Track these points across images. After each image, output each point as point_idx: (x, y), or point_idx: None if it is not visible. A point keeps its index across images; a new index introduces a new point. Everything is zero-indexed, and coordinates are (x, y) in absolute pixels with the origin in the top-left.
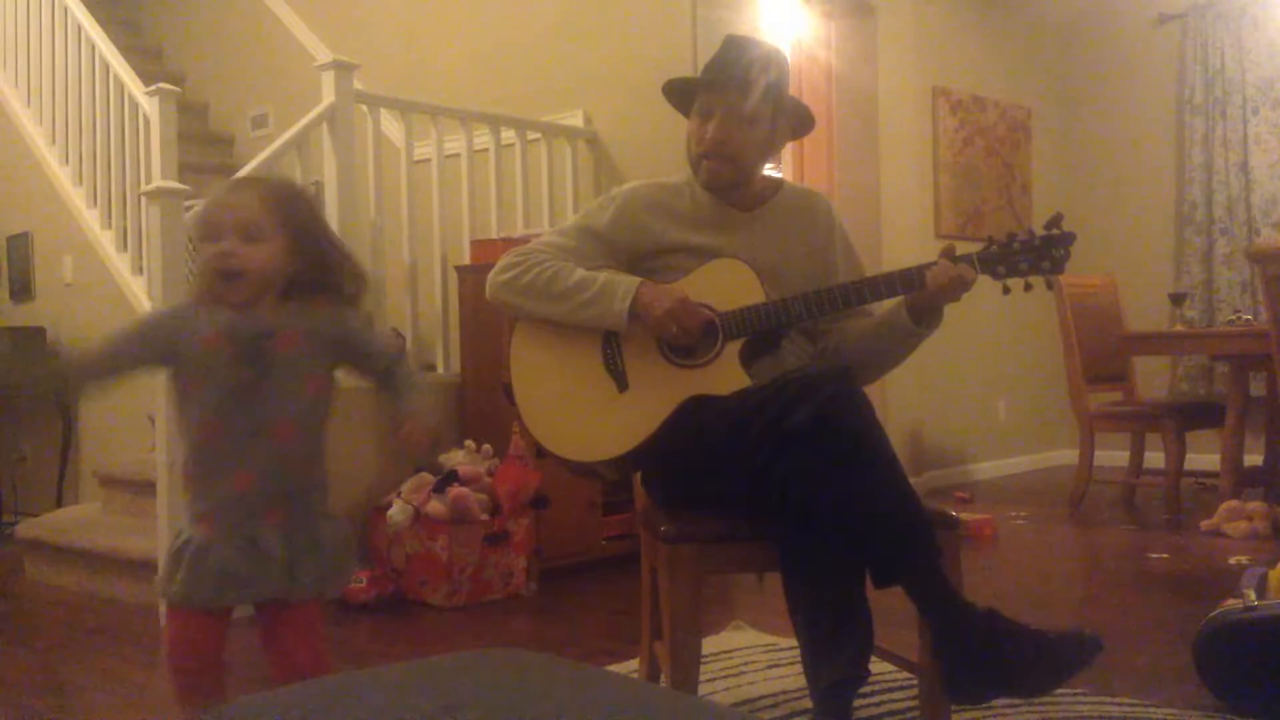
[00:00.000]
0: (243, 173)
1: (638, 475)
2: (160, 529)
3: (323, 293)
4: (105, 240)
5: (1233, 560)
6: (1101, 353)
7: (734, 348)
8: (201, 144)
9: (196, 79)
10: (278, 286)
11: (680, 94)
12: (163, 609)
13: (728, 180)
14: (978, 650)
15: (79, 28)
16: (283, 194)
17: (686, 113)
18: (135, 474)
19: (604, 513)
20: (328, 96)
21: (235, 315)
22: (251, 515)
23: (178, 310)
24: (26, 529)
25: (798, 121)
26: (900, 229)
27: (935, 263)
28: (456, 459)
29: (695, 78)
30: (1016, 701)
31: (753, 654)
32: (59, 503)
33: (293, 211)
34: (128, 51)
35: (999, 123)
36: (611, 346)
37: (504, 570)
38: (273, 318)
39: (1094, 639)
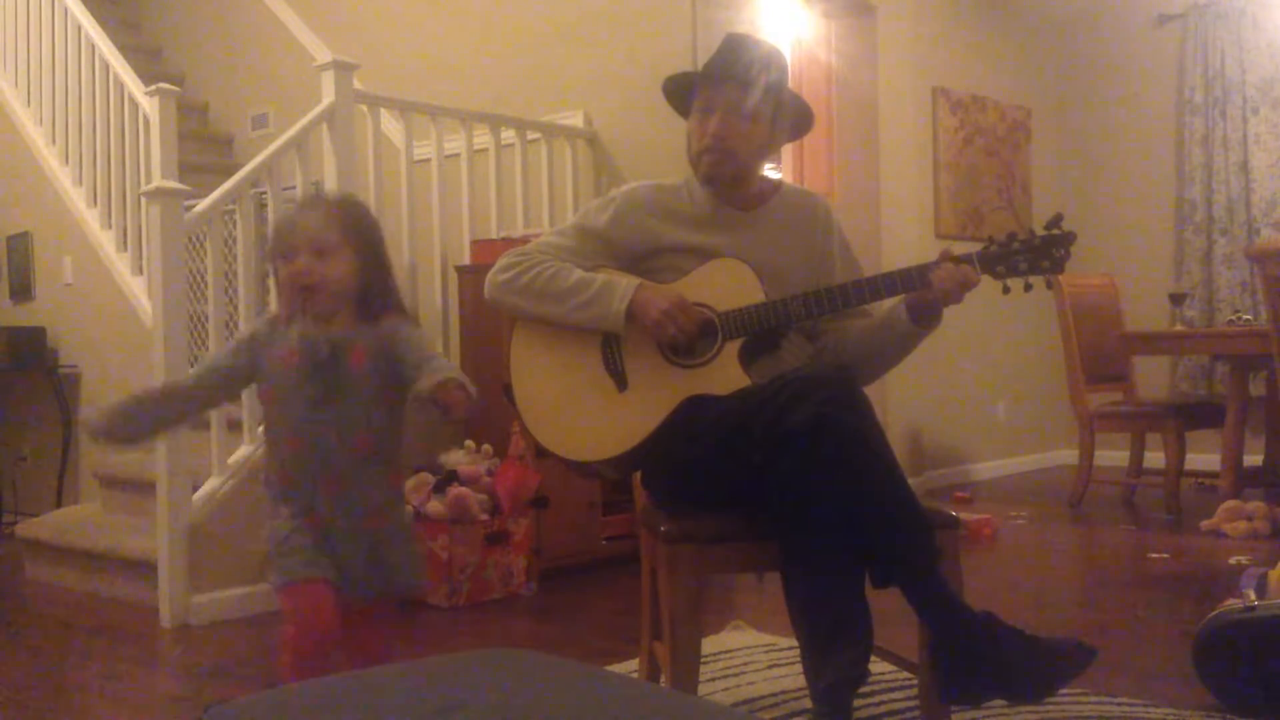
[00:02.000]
0: (243, 172)
1: (638, 475)
2: (160, 529)
3: (388, 303)
4: (105, 240)
5: (1233, 560)
6: (1101, 353)
7: (733, 347)
8: (201, 144)
9: (196, 79)
10: (353, 298)
11: (680, 92)
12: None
13: (728, 175)
14: (974, 653)
15: (79, 28)
16: (348, 210)
17: (685, 114)
18: (135, 474)
19: (604, 513)
20: (328, 96)
21: (308, 331)
22: (330, 525)
23: (260, 328)
24: (26, 529)
25: (798, 119)
26: (900, 229)
27: (936, 263)
28: (456, 459)
29: (696, 73)
30: None
31: (753, 654)
32: (59, 503)
33: (358, 226)
34: (128, 51)
35: (999, 123)
36: (611, 346)
37: (504, 570)
38: (341, 333)
39: (1089, 647)
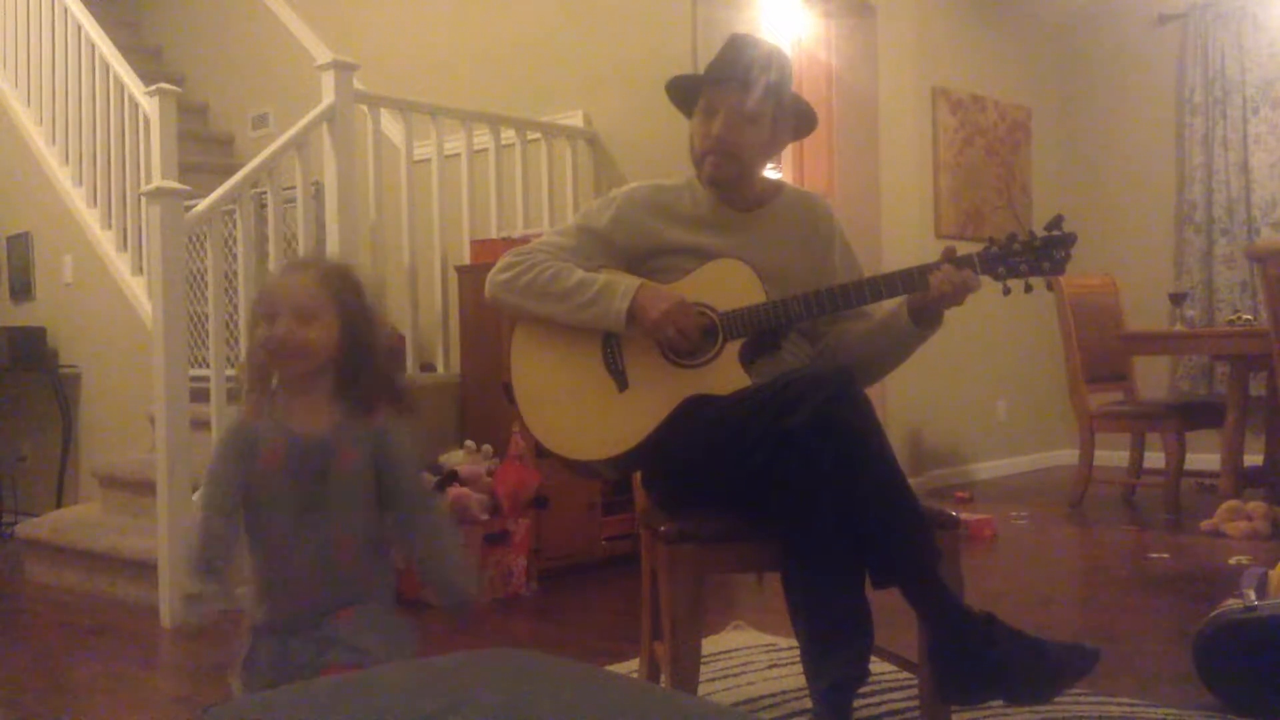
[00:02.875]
0: (243, 172)
1: (638, 475)
2: (160, 529)
3: (376, 386)
4: (105, 240)
5: (1233, 560)
6: (1101, 353)
7: (734, 347)
8: (201, 144)
9: (196, 79)
10: (333, 371)
11: (683, 92)
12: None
13: (731, 177)
14: (973, 654)
15: (79, 28)
16: (335, 276)
17: (688, 113)
18: (135, 474)
19: (604, 513)
20: (328, 96)
21: (295, 433)
22: (315, 625)
23: (242, 428)
24: (26, 529)
25: (800, 121)
26: (900, 229)
27: (937, 264)
28: (456, 459)
29: (699, 75)
30: None
31: (753, 654)
32: (59, 503)
33: (344, 293)
34: (128, 51)
35: (999, 123)
36: (612, 346)
37: (504, 570)
38: (331, 434)
39: (1092, 650)
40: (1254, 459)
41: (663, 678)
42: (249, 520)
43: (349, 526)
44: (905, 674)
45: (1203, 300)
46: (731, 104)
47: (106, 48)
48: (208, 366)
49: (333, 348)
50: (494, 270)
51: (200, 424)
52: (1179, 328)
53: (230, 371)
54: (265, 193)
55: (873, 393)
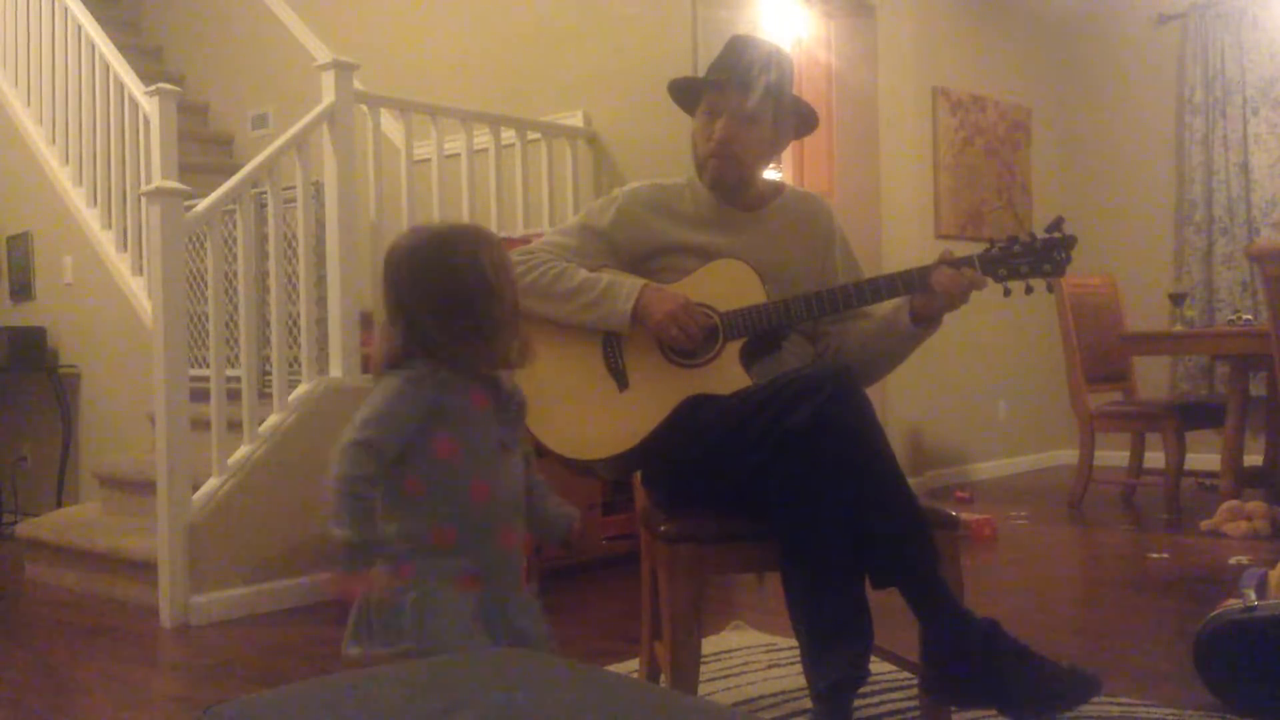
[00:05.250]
0: (243, 172)
1: (638, 475)
2: (160, 529)
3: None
4: (105, 240)
5: (1233, 560)
6: (1101, 353)
7: (734, 347)
8: (201, 144)
9: (196, 79)
10: None
11: (684, 93)
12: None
13: (733, 179)
14: (969, 657)
15: (79, 28)
16: None
17: (691, 110)
18: (135, 474)
19: (604, 513)
20: (328, 96)
21: (489, 378)
22: (513, 575)
23: (427, 378)
24: (26, 529)
25: (801, 121)
26: (900, 229)
27: (937, 265)
28: None
29: (701, 78)
30: None
31: (753, 654)
32: (59, 503)
33: None
34: (128, 51)
35: (999, 123)
36: (612, 346)
37: None
38: (506, 381)
39: (1094, 679)
40: (1254, 459)
41: (663, 678)
42: (446, 468)
43: (522, 472)
44: (905, 674)
45: (1203, 300)
46: (733, 107)
47: (106, 48)
48: (208, 366)
49: None
50: None
51: (200, 424)
52: (1179, 328)
53: (231, 371)
54: (265, 193)
55: (873, 393)
